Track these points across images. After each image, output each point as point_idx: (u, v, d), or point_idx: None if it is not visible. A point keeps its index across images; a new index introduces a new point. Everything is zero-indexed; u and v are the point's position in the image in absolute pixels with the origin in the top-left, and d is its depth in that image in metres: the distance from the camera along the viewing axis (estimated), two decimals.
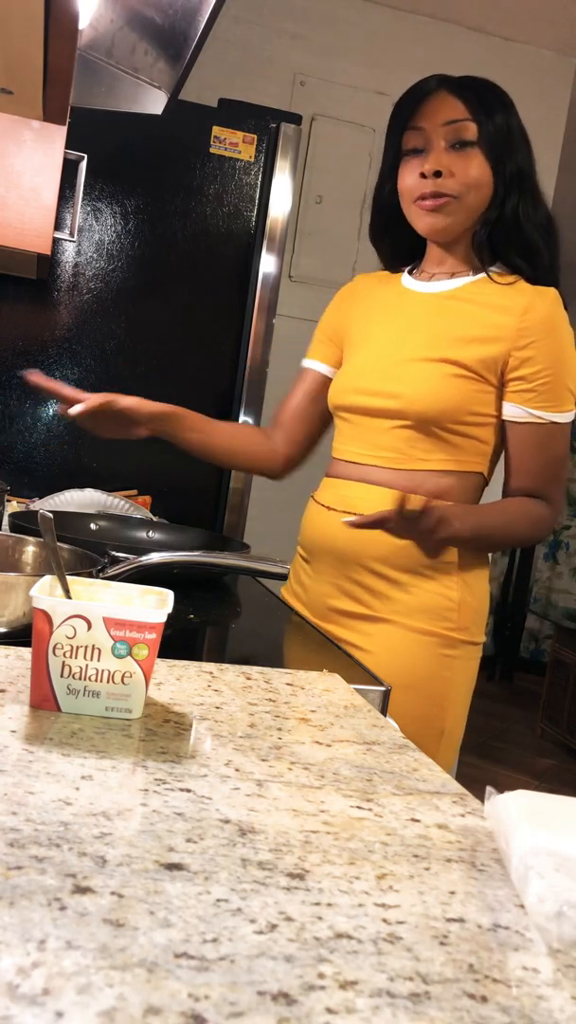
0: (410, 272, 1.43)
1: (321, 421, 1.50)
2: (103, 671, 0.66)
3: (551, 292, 1.28)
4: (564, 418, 1.27)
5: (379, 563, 1.29)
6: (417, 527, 1.16)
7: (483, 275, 1.32)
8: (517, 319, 1.26)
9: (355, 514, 1.31)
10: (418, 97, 1.31)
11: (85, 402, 1.28)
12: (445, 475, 1.30)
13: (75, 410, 1.28)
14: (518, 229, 1.30)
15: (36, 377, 1.30)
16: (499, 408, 1.29)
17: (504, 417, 1.29)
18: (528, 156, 1.32)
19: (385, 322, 1.40)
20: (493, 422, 1.29)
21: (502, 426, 1.30)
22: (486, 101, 1.29)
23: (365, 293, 1.48)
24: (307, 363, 1.53)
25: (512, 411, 1.27)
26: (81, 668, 0.66)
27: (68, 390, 1.31)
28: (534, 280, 1.30)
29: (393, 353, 1.34)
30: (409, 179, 1.32)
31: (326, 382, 1.47)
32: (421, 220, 1.33)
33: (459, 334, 1.29)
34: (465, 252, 1.35)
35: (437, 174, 1.28)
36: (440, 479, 1.29)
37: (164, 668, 0.81)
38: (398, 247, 1.45)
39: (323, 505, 1.38)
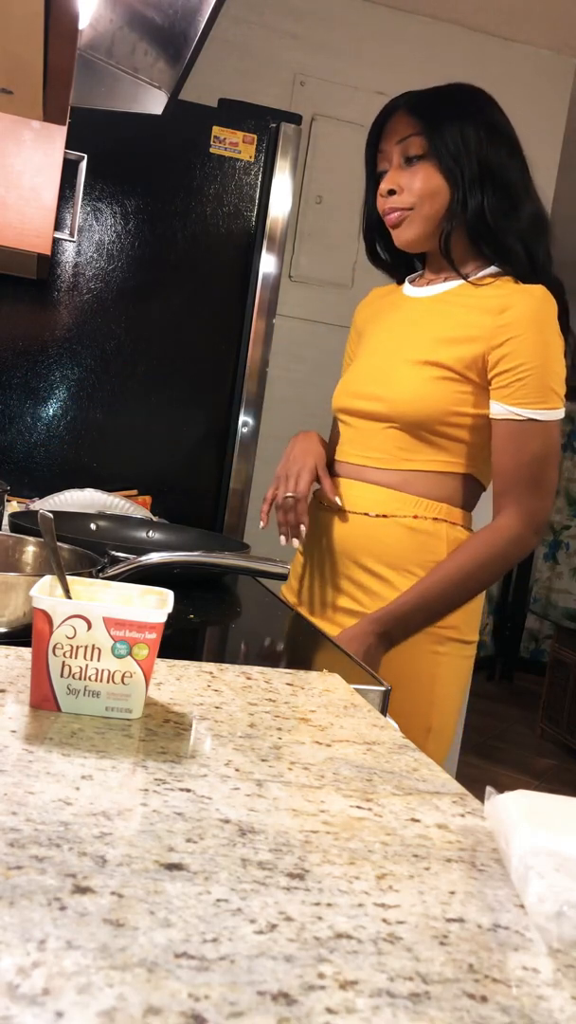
0: (412, 280, 1.46)
1: None
2: (103, 671, 0.66)
3: (538, 289, 1.27)
4: (545, 416, 1.25)
5: (372, 559, 1.31)
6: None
7: (472, 278, 1.34)
8: (495, 317, 1.26)
9: (351, 512, 1.35)
10: (382, 119, 1.36)
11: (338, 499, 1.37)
12: (433, 475, 1.32)
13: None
14: (486, 228, 1.30)
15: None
16: (485, 407, 1.29)
17: (490, 416, 1.29)
18: (499, 155, 1.30)
19: (382, 329, 1.43)
20: (480, 423, 1.30)
21: (489, 425, 1.30)
22: (438, 112, 1.31)
23: (372, 306, 1.52)
24: None
25: (494, 409, 1.28)
26: (81, 668, 0.66)
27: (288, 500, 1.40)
28: (522, 279, 1.29)
29: (384, 357, 1.37)
30: (377, 201, 1.37)
31: None
32: (394, 236, 1.37)
33: (440, 335, 1.30)
34: (450, 255, 1.35)
35: (391, 192, 1.33)
36: (426, 479, 1.31)
37: (164, 668, 0.81)
38: (395, 263, 1.48)
39: (322, 503, 1.41)
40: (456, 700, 1.35)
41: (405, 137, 1.31)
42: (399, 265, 1.49)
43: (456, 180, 1.29)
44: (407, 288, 1.45)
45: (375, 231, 1.45)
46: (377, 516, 1.32)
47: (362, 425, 1.37)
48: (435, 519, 1.31)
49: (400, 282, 1.49)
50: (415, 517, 1.30)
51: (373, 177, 1.39)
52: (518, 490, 1.27)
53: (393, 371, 1.33)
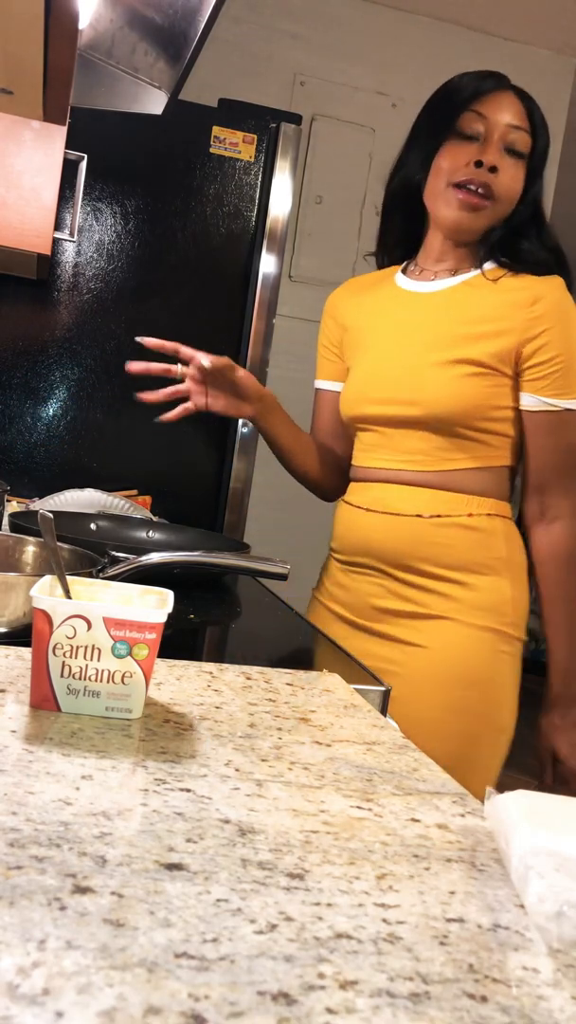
0: (404, 271, 1.40)
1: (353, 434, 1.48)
2: (103, 671, 0.66)
3: (557, 280, 1.26)
4: None
5: (430, 563, 1.27)
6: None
7: (483, 270, 1.31)
8: (526, 309, 1.24)
9: (392, 514, 1.30)
10: (485, 86, 1.27)
11: (210, 361, 1.28)
12: (475, 472, 1.28)
13: (191, 370, 1.30)
14: (516, 241, 1.30)
15: (148, 342, 1.32)
16: (517, 399, 1.27)
17: (520, 407, 1.27)
18: (542, 182, 1.33)
19: (388, 326, 1.36)
20: (514, 415, 1.28)
21: (521, 417, 1.29)
22: (542, 122, 1.30)
23: (356, 299, 1.44)
24: (319, 384, 1.51)
25: (527, 400, 1.26)
26: (81, 668, 0.66)
27: (185, 349, 1.32)
28: (534, 274, 1.28)
29: (405, 358, 1.31)
30: (457, 161, 1.26)
31: (339, 398, 1.45)
32: (450, 208, 1.28)
33: (469, 331, 1.27)
34: (468, 251, 1.33)
35: (493, 170, 1.25)
36: (471, 476, 1.28)
37: (164, 668, 0.81)
38: (403, 229, 1.41)
39: (359, 507, 1.35)
40: (517, 700, 1.32)
41: (520, 127, 1.27)
42: (404, 242, 1.41)
43: (529, 191, 1.29)
44: (404, 281, 1.38)
45: (407, 196, 1.35)
46: (432, 516, 1.27)
47: (391, 431, 1.32)
48: (489, 515, 1.28)
49: (382, 264, 1.44)
50: (470, 515, 1.27)
51: (440, 134, 1.29)
52: (564, 481, 1.28)
53: (421, 373, 1.28)
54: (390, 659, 1.28)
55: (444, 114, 1.29)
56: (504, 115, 1.26)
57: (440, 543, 1.27)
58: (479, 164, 1.24)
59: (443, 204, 1.29)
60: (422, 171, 1.31)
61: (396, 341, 1.34)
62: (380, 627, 1.31)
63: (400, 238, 1.42)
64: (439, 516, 1.27)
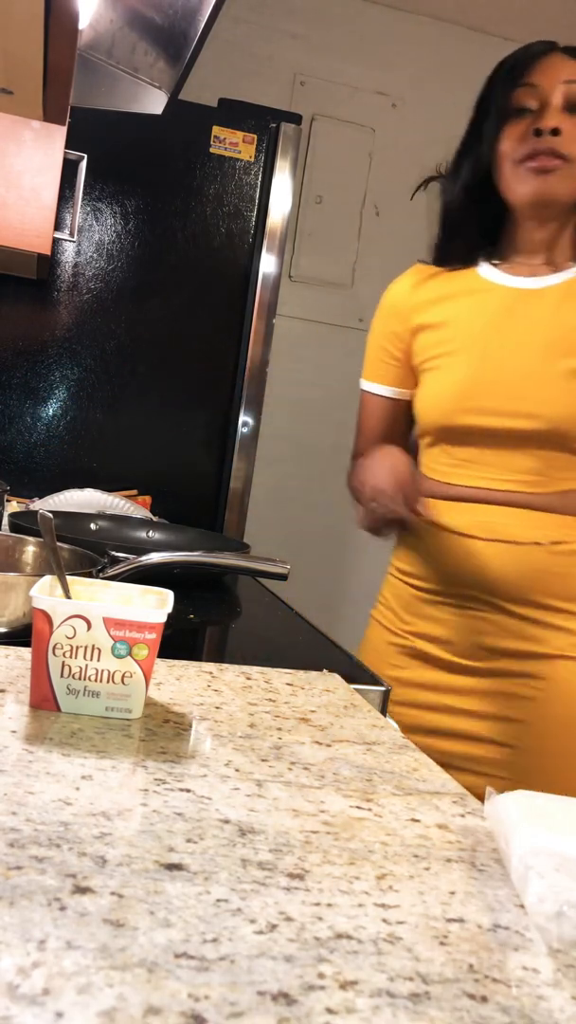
0: (491, 263, 1.26)
1: (407, 442, 1.34)
2: (103, 671, 0.66)
3: None
4: None
5: (545, 595, 1.16)
6: None
7: None
8: None
9: (506, 541, 1.17)
10: (531, 56, 1.19)
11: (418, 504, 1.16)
12: None
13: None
14: None
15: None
16: None
17: None
18: None
19: (487, 325, 1.21)
20: None
21: None
22: None
23: (429, 293, 1.28)
24: (370, 387, 1.36)
25: None
26: (81, 668, 0.66)
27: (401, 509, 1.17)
28: None
29: (519, 363, 1.17)
30: (516, 138, 1.18)
31: (395, 404, 1.33)
32: (525, 184, 1.17)
33: None
34: (561, 237, 1.21)
35: (555, 132, 1.14)
36: None
37: (164, 668, 0.81)
38: (476, 234, 1.28)
39: (462, 534, 1.20)
40: None
41: (574, 81, 1.16)
42: (476, 249, 1.27)
43: None
44: (495, 275, 1.24)
45: (472, 199, 1.25)
46: (551, 544, 1.15)
47: (489, 444, 1.18)
48: None
49: (448, 262, 1.29)
50: None
51: (501, 116, 1.19)
52: None
53: (544, 381, 1.15)
54: (511, 705, 1.18)
55: (496, 98, 1.21)
56: (557, 74, 1.17)
57: (560, 573, 1.16)
58: (537, 132, 1.15)
59: (516, 184, 1.19)
60: (489, 164, 1.22)
61: (502, 343, 1.19)
62: (492, 668, 1.19)
63: (473, 247, 1.28)
64: (558, 543, 1.16)
